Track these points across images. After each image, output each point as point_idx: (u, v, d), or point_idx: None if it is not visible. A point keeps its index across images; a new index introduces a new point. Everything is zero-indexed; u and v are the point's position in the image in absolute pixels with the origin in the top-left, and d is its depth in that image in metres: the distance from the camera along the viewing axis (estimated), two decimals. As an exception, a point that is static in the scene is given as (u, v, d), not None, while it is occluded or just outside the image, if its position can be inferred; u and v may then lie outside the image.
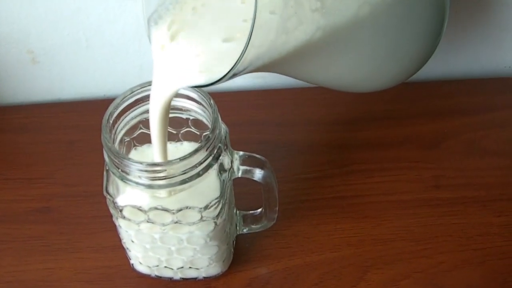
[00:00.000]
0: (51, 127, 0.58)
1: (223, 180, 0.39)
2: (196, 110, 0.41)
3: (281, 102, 0.58)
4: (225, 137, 0.40)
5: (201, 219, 0.39)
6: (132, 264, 0.45)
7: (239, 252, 0.47)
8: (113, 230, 0.43)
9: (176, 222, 0.39)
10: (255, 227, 0.47)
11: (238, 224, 0.47)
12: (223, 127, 0.41)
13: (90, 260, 0.47)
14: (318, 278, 0.46)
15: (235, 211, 0.46)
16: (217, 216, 0.40)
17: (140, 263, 0.44)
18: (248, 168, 0.41)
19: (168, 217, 0.38)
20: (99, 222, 0.48)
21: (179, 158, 0.36)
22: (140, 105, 0.40)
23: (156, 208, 0.38)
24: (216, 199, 0.39)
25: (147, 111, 0.40)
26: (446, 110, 0.58)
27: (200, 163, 0.37)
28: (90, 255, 0.48)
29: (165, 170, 0.36)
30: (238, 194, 0.45)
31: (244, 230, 0.47)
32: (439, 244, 0.47)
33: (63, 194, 0.52)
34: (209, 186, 0.38)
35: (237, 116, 0.56)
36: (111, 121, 0.38)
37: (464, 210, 0.50)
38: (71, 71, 0.59)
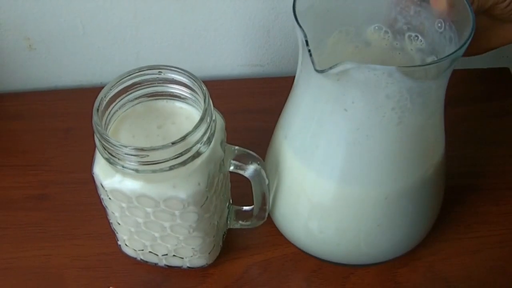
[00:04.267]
0: (47, 115, 0.57)
1: (210, 172, 0.38)
2: (189, 97, 0.40)
3: (278, 90, 0.58)
4: (220, 128, 0.40)
5: (184, 209, 0.39)
6: (119, 246, 0.45)
7: (234, 239, 0.47)
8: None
9: (159, 210, 0.39)
10: (245, 224, 0.46)
11: (229, 219, 0.46)
12: (219, 119, 0.40)
13: (86, 247, 0.47)
14: (316, 265, 0.46)
15: (227, 205, 0.46)
16: (201, 208, 0.39)
17: (126, 245, 0.44)
18: (239, 163, 0.41)
19: (151, 204, 0.38)
20: (95, 209, 0.48)
21: (171, 142, 0.35)
22: (136, 88, 0.39)
23: (139, 194, 0.38)
24: (201, 190, 0.38)
25: (143, 96, 0.40)
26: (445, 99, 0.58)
27: (188, 150, 0.36)
28: (86, 241, 0.47)
29: (149, 155, 0.35)
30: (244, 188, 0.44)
31: (236, 225, 0.47)
32: (438, 232, 0.47)
33: (60, 181, 0.51)
34: (195, 176, 0.38)
35: (234, 104, 0.55)
36: (103, 104, 0.38)
37: (462, 199, 0.50)
38: (68, 58, 0.59)
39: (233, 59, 0.60)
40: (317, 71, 0.31)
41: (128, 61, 0.59)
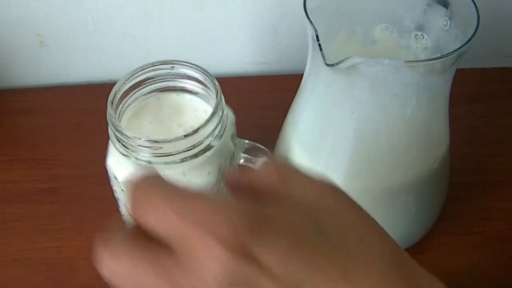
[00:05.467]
0: (57, 110, 0.58)
1: (220, 165, 0.39)
2: (201, 92, 0.41)
3: (285, 87, 0.59)
4: (231, 123, 0.41)
5: None
6: None
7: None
8: (119, 210, 0.43)
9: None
10: None
11: None
12: (230, 114, 0.41)
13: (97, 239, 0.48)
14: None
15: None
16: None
17: None
18: (249, 156, 0.41)
19: None
20: (106, 203, 0.48)
21: (183, 135, 0.36)
22: (149, 83, 0.40)
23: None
24: (211, 182, 0.39)
25: (157, 90, 0.41)
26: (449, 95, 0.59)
27: (200, 142, 0.37)
28: (97, 234, 0.48)
29: (162, 147, 0.36)
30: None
31: None
32: (441, 227, 0.48)
33: (70, 175, 0.52)
34: (206, 169, 0.38)
35: (241, 101, 0.56)
36: (118, 97, 0.38)
37: (466, 195, 0.51)
38: (78, 54, 0.59)
39: (241, 56, 0.61)
40: (327, 65, 0.32)
41: (138, 58, 0.59)
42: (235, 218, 0.21)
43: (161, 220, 0.21)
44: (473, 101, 0.59)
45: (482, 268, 0.46)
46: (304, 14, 0.35)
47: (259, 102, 0.58)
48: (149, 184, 0.23)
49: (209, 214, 0.21)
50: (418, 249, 0.47)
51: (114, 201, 0.43)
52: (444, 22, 0.39)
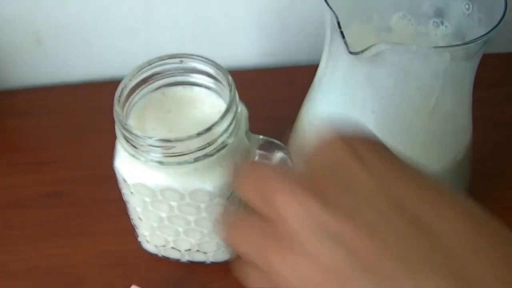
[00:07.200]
0: (58, 110, 0.56)
1: (235, 163, 0.37)
2: (213, 87, 0.39)
3: (293, 80, 0.57)
4: (244, 118, 0.39)
5: (210, 202, 0.38)
6: (140, 242, 0.44)
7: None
8: (128, 213, 0.42)
9: (184, 203, 0.38)
10: None
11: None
12: (242, 109, 0.39)
13: (105, 244, 0.46)
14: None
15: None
16: (227, 200, 0.38)
17: (147, 241, 0.43)
18: (264, 153, 0.40)
19: (176, 197, 0.37)
20: (113, 206, 0.47)
21: (196, 133, 0.34)
22: (156, 78, 0.38)
23: (164, 187, 0.37)
24: (227, 182, 0.37)
25: (164, 86, 0.39)
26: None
27: (214, 140, 0.35)
28: (105, 239, 0.46)
29: (175, 147, 0.34)
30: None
31: None
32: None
33: (75, 178, 0.50)
34: (221, 168, 0.37)
35: (249, 94, 0.54)
36: (125, 94, 0.37)
37: (485, 184, 0.49)
38: (78, 52, 0.58)
39: (246, 48, 0.59)
40: (351, 53, 0.30)
41: (139, 53, 0.58)
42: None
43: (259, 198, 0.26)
44: (490, 87, 0.57)
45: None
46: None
47: (269, 95, 0.57)
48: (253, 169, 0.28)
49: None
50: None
51: (122, 204, 0.41)
52: (466, 6, 0.37)
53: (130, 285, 0.42)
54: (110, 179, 0.40)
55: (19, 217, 0.48)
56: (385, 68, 0.32)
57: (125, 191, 0.39)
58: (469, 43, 0.31)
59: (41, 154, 0.52)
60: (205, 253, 0.43)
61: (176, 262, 0.45)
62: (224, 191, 0.37)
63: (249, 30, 0.58)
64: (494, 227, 0.23)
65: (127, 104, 0.37)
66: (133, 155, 0.36)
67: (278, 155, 0.40)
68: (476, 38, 0.31)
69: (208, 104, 0.39)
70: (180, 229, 0.40)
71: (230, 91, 0.36)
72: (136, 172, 0.37)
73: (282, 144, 0.40)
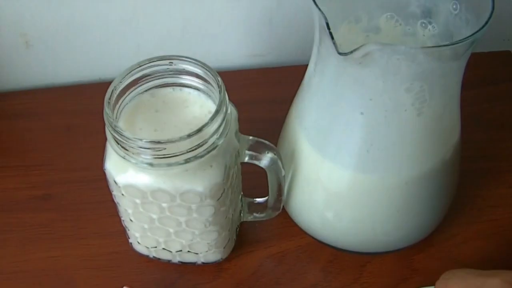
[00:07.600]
0: (46, 113, 0.56)
1: (226, 164, 0.38)
2: (203, 88, 0.39)
3: (282, 80, 0.57)
4: (234, 119, 0.39)
5: (201, 203, 0.38)
6: (131, 244, 0.44)
7: (247, 232, 0.47)
8: (118, 215, 0.42)
9: (175, 204, 0.38)
10: (259, 216, 0.45)
11: (242, 211, 0.45)
12: (232, 109, 0.39)
13: (96, 247, 0.46)
14: (332, 255, 0.45)
15: (240, 197, 0.45)
16: (218, 201, 0.38)
17: (139, 243, 0.43)
18: (254, 153, 0.40)
19: (167, 198, 0.37)
20: (103, 208, 0.47)
21: (186, 135, 0.34)
22: (146, 80, 0.38)
23: (155, 189, 0.37)
24: (218, 183, 0.37)
25: (154, 87, 0.39)
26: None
27: (204, 142, 0.35)
28: (96, 241, 0.46)
29: (165, 148, 0.34)
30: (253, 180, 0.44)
31: (249, 218, 0.46)
32: (452, 217, 0.47)
33: (64, 180, 0.50)
34: (212, 168, 0.37)
35: (238, 94, 0.54)
36: (115, 96, 0.37)
37: (474, 183, 0.50)
38: (66, 54, 0.57)
39: (234, 49, 0.59)
40: (340, 54, 0.30)
41: (128, 54, 0.57)
42: None
43: None
44: (476, 86, 0.58)
45: (495, 256, 0.46)
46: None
47: (257, 95, 0.57)
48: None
49: None
50: (430, 241, 0.46)
51: (112, 205, 0.41)
52: (454, 6, 0.37)
53: (122, 287, 0.42)
54: (99, 181, 0.40)
55: (8, 221, 0.48)
56: (373, 69, 0.32)
57: (115, 192, 0.39)
58: (457, 43, 0.31)
59: (30, 156, 0.52)
60: (196, 253, 0.43)
61: (168, 263, 0.45)
62: (215, 192, 0.37)
63: (237, 31, 0.58)
64: None
65: (117, 106, 0.37)
66: (123, 157, 0.36)
67: (268, 155, 0.40)
68: (464, 38, 0.31)
69: (198, 105, 0.39)
70: (171, 230, 0.40)
71: (220, 92, 0.36)
72: (126, 173, 0.37)
73: (271, 145, 0.40)
